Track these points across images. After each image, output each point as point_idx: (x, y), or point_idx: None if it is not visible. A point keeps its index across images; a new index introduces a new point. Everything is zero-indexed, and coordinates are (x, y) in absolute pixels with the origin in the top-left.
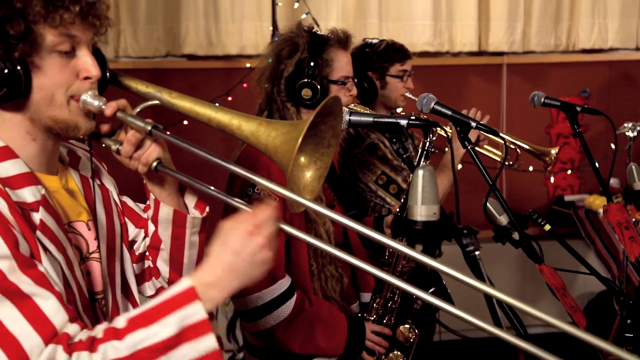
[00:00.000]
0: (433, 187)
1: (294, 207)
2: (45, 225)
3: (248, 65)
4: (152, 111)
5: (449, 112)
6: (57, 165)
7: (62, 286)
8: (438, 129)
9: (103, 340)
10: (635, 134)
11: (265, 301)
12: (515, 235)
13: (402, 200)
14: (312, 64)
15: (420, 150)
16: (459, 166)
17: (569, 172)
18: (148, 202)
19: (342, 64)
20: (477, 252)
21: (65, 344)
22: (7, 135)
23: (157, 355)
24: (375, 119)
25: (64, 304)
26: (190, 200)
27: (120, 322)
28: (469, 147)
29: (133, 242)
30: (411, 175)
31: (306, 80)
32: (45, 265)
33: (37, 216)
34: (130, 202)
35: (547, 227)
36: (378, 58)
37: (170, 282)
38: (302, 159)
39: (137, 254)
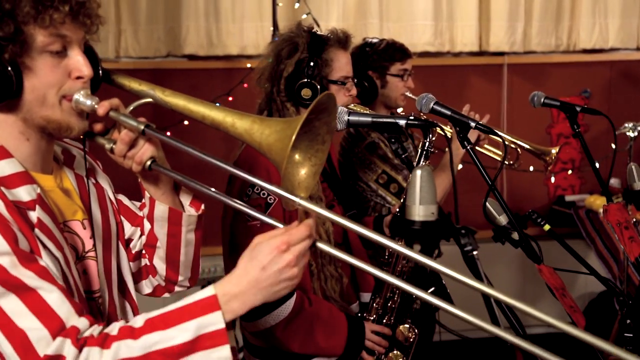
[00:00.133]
0: (431, 187)
1: (288, 205)
2: (43, 223)
3: (249, 65)
4: (153, 111)
5: (448, 112)
6: (52, 164)
7: (63, 283)
8: (437, 129)
9: (117, 338)
10: (636, 134)
11: None
12: (515, 235)
13: (402, 200)
14: (311, 64)
15: (419, 150)
16: (460, 166)
17: (570, 172)
18: (143, 200)
19: (341, 64)
20: (475, 252)
21: (74, 337)
22: (1, 135)
23: (169, 359)
24: (374, 119)
25: (68, 296)
26: (186, 198)
27: (138, 321)
28: (468, 147)
29: (129, 240)
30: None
31: (306, 80)
32: (46, 261)
33: (34, 215)
34: (125, 201)
35: (547, 227)
36: (378, 57)
37: (167, 280)
38: (297, 156)
39: (133, 252)
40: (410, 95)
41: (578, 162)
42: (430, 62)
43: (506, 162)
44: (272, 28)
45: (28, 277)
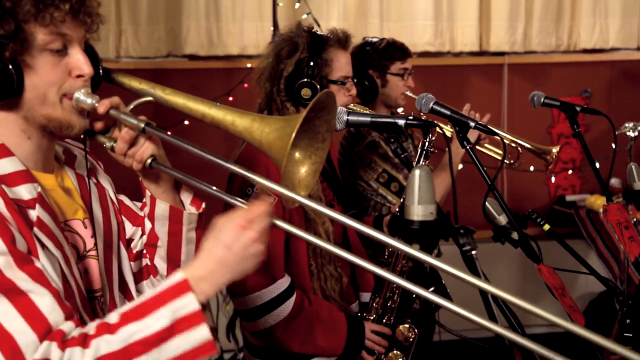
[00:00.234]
0: (430, 187)
1: (288, 203)
2: (42, 222)
3: (249, 65)
4: (154, 111)
5: (448, 112)
6: (53, 163)
7: (61, 283)
8: (437, 129)
9: (95, 336)
10: (636, 133)
11: (265, 301)
12: (515, 235)
13: (402, 199)
14: (311, 63)
15: (419, 150)
16: (460, 166)
17: (570, 172)
18: (144, 200)
19: (341, 64)
20: (473, 252)
21: (59, 340)
22: (2, 134)
23: (149, 348)
24: (373, 119)
25: (60, 301)
26: (186, 197)
27: (112, 317)
28: (467, 147)
29: (130, 240)
30: None
31: (306, 80)
32: (42, 262)
33: (34, 213)
34: (127, 201)
35: (547, 226)
36: (379, 56)
37: None
38: (297, 154)
39: (134, 252)
40: (411, 94)
41: (579, 162)
42: (430, 62)
43: (506, 161)
44: (272, 28)
45: (21, 280)
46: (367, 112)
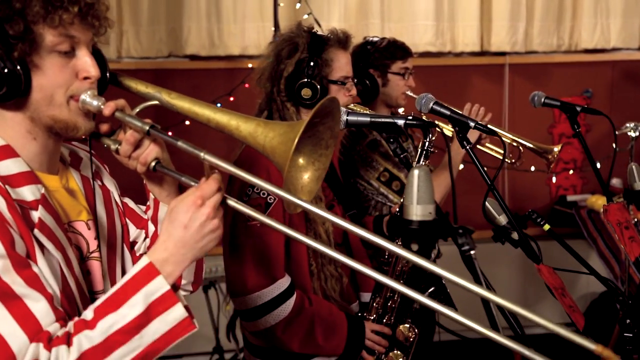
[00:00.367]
0: (428, 186)
1: (290, 208)
2: (44, 223)
3: (250, 65)
4: (154, 112)
5: (448, 112)
6: (58, 165)
7: (61, 284)
8: (437, 129)
9: (75, 333)
10: (638, 133)
11: (265, 300)
12: (515, 235)
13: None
14: (311, 64)
15: (419, 150)
16: (461, 166)
17: (571, 172)
18: (148, 203)
19: (341, 64)
20: (472, 252)
21: (45, 341)
22: (8, 134)
23: (129, 336)
24: (373, 119)
25: (53, 306)
26: None
27: (88, 313)
28: (467, 148)
29: (134, 243)
30: None
31: (306, 80)
32: (40, 265)
33: (36, 215)
34: (131, 204)
35: (547, 226)
36: (380, 55)
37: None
38: (300, 160)
39: (137, 254)
40: (411, 94)
41: (580, 162)
42: (431, 62)
43: (507, 161)
44: (273, 28)
45: (17, 285)
46: (367, 112)
